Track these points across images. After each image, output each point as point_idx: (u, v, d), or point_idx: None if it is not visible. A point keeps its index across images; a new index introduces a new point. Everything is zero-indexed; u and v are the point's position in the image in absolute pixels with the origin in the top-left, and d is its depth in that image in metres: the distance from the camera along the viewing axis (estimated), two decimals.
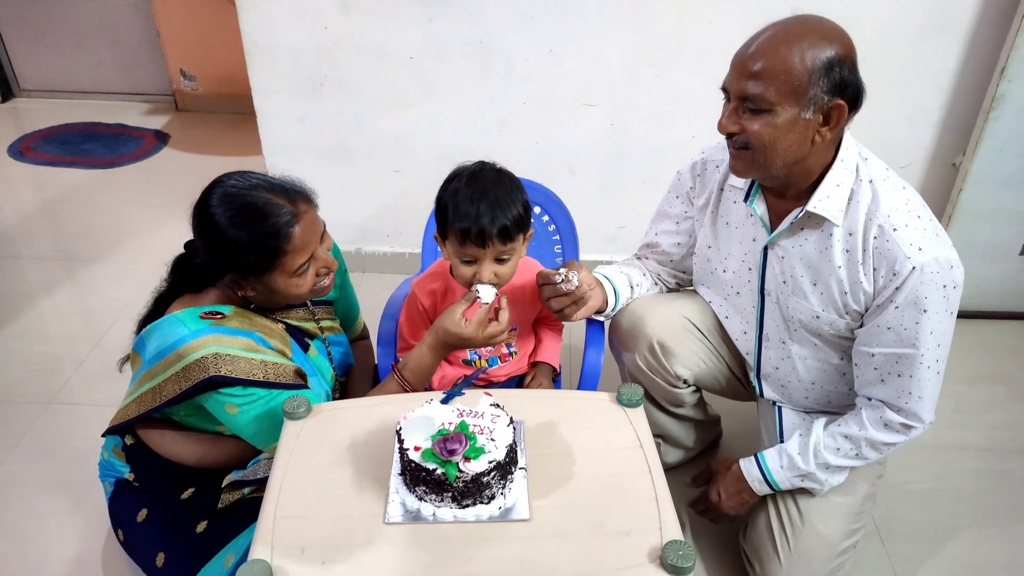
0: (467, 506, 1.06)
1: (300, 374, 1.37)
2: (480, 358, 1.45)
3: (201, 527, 1.40)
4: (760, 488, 1.46)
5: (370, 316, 1.77)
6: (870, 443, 1.37)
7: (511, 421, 1.11)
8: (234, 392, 1.28)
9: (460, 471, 1.03)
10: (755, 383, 1.56)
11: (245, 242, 1.25)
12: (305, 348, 1.47)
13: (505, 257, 1.32)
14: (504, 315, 1.33)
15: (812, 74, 1.15)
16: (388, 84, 2.24)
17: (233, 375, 1.27)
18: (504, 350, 1.45)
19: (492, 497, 1.07)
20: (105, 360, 2.12)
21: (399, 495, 1.09)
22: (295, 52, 2.20)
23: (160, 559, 1.39)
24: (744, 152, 1.25)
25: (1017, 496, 1.83)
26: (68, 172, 3.35)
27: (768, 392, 1.55)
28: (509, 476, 1.09)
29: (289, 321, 1.46)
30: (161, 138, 3.72)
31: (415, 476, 1.06)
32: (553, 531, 1.05)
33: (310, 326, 1.50)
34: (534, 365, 1.54)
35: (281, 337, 1.40)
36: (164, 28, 3.81)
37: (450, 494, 1.05)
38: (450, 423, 1.09)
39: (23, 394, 2.06)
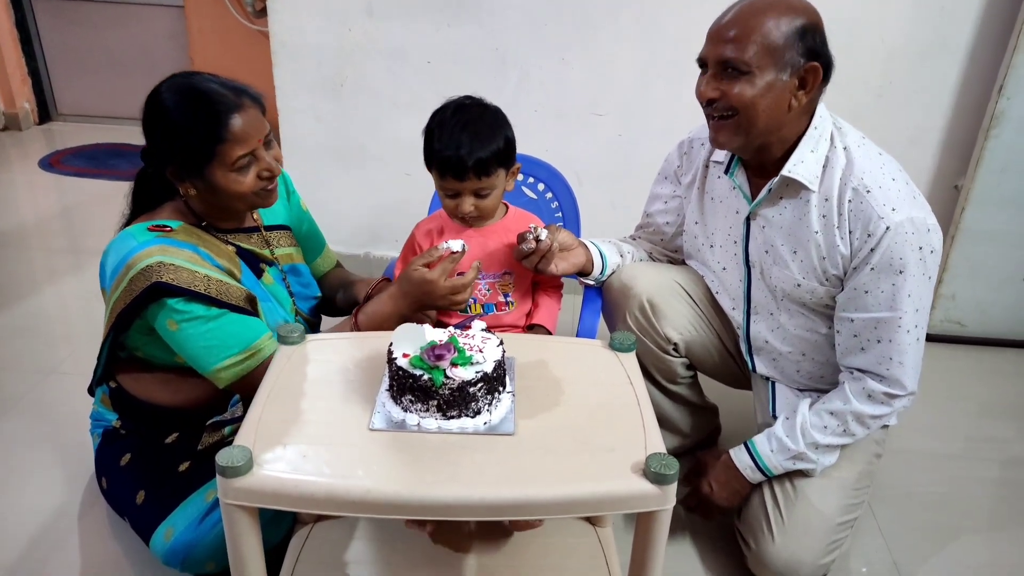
0: (452, 417, 1.05)
1: (250, 300, 1.35)
2: (476, 302, 1.45)
3: (183, 467, 1.39)
4: (752, 476, 1.44)
5: None
6: (856, 417, 1.36)
7: (501, 343, 1.12)
8: (176, 306, 1.27)
9: (447, 377, 1.03)
10: (747, 358, 1.55)
11: (185, 126, 1.26)
12: (259, 274, 1.45)
13: (485, 191, 1.35)
14: (470, 274, 1.33)
15: (787, 37, 1.22)
16: (405, 87, 2.33)
17: (175, 283, 1.25)
18: (500, 298, 1.46)
19: (478, 412, 1.06)
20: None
21: (385, 407, 1.09)
22: (319, 53, 2.30)
23: (140, 496, 1.38)
24: (726, 121, 1.29)
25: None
26: (93, 182, 3.46)
27: (761, 367, 1.54)
28: (496, 393, 1.08)
29: (241, 244, 1.44)
30: None
31: (402, 384, 1.06)
32: (537, 446, 1.03)
33: (264, 252, 1.48)
34: (530, 328, 1.54)
35: (230, 258, 1.38)
36: (197, 57, 3.98)
37: (435, 402, 1.05)
38: (440, 339, 1.10)
39: (22, 365, 2.08)
